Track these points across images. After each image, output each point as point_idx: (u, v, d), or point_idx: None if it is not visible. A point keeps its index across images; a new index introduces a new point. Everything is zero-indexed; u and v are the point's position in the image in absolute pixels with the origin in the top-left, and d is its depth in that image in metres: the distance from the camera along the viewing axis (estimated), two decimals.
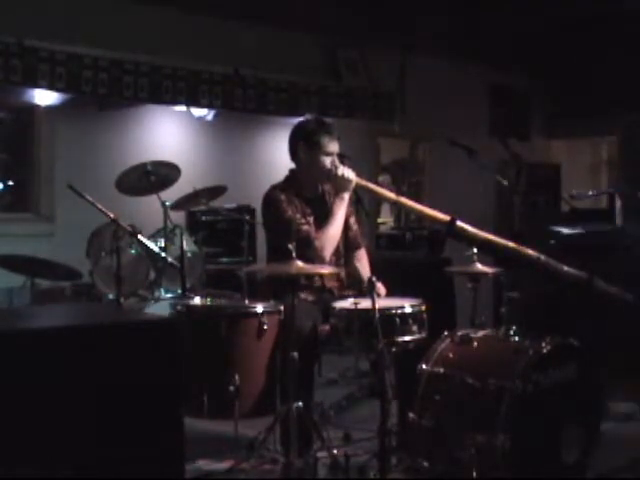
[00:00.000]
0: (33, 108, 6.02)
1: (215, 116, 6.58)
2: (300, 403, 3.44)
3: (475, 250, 3.87)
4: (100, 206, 4.50)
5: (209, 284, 5.33)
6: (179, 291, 4.68)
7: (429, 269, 5.79)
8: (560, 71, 8.84)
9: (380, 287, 3.83)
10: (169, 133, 6.66)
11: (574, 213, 6.28)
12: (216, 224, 6.23)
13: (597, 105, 8.79)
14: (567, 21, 7.53)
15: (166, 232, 4.89)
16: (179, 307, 3.89)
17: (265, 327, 3.69)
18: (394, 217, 8.69)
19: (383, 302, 3.50)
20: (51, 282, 5.24)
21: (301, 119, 4.24)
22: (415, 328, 3.45)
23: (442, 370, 3.37)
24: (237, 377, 3.60)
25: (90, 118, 6.13)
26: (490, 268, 3.91)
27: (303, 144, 4.06)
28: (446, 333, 3.52)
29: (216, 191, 5.11)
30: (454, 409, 3.30)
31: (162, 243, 4.85)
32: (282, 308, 3.73)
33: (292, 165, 4.17)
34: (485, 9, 7.04)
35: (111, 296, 4.76)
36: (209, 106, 6.37)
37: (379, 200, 7.27)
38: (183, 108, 6.37)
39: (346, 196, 4.02)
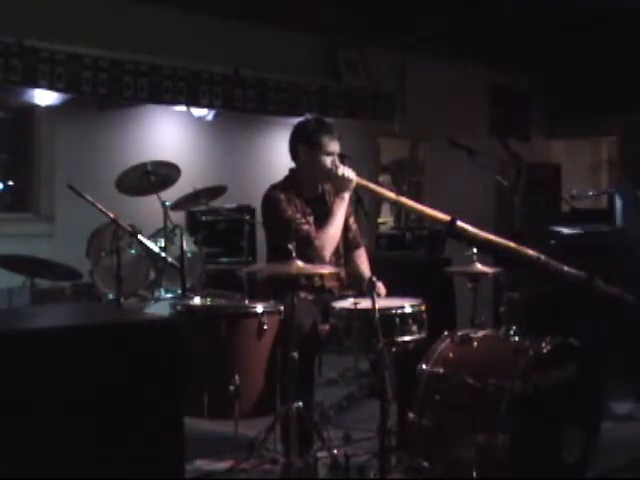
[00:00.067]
0: (33, 108, 6.02)
1: (215, 116, 6.58)
2: (300, 403, 3.44)
3: (475, 250, 3.87)
4: (100, 206, 4.50)
5: (209, 284, 5.33)
6: (179, 291, 4.68)
7: (429, 269, 5.78)
8: (560, 71, 8.84)
9: (380, 287, 3.83)
10: (169, 133, 6.66)
11: (574, 213, 6.29)
12: (216, 224, 6.23)
13: (597, 105, 8.79)
14: (567, 21, 7.53)
15: (166, 232, 4.89)
16: (179, 307, 3.89)
17: (265, 327, 3.69)
18: (394, 217, 8.69)
19: (383, 302, 3.50)
20: (51, 282, 5.24)
21: (301, 119, 4.23)
22: (415, 328, 3.45)
23: (442, 370, 3.37)
24: (237, 377, 3.60)
25: (90, 118, 6.14)
26: (490, 268, 3.91)
27: (303, 144, 4.05)
28: (446, 333, 3.52)
29: (216, 191, 5.12)
30: (454, 409, 3.30)
31: (162, 243, 4.85)
32: (282, 308, 3.74)
33: (292, 165, 4.17)
34: (485, 9, 7.03)
35: (111, 296, 4.76)
36: (209, 106, 6.37)
37: (379, 200, 7.27)
38: (183, 108, 6.37)
39: (346, 196, 4.01)
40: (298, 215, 3.99)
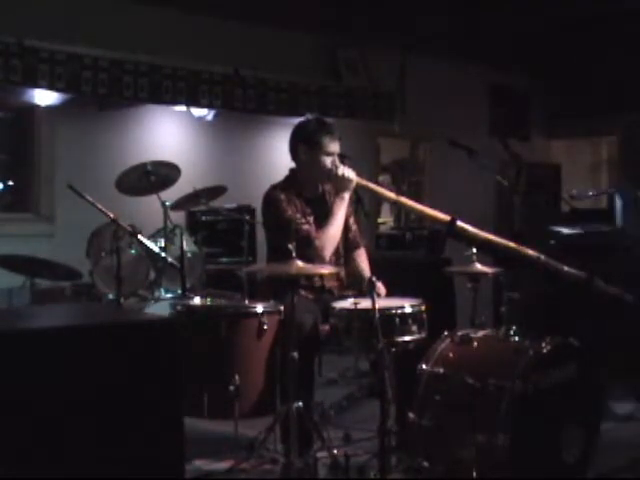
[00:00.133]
0: (33, 108, 6.02)
1: (215, 116, 6.58)
2: (300, 403, 3.44)
3: (475, 250, 3.87)
4: (100, 206, 4.50)
5: (209, 284, 5.33)
6: (179, 291, 4.68)
7: (429, 269, 5.79)
8: (560, 71, 8.84)
9: (380, 287, 3.83)
10: (169, 133, 6.66)
11: (574, 213, 6.28)
12: (216, 224, 6.23)
13: (597, 105, 8.79)
14: (567, 21, 7.53)
15: (166, 232, 4.89)
16: (179, 307, 3.89)
17: (265, 327, 3.69)
18: (394, 217, 8.69)
19: (383, 302, 3.50)
20: (51, 282, 5.24)
21: (302, 119, 4.23)
22: (415, 328, 3.45)
23: (442, 370, 3.37)
24: (237, 377, 3.60)
25: (90, 118, 6.14)
26: (490, 268, 3.91)
27: (304, 144, 4.05)
28: (446, 333, 3.52)
29: (216, 191, 5.12)
30: (454, 409, 3.30)
31: (162, 243, 4.85)
32: (282, 308, 3.74)
33: (292, 165, 4.17)
34: (485, 9, 7.03)
35: (111, 296, 4.76)
36: (209, 106, 6.37)
37: (379, 200, 7.27)
38: (183, 108, 6.37)
39: (346, 196, 4.01)
40: (298, 215, 3.99)
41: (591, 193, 6.45)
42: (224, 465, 3.65)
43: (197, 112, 6.51)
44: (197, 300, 4.11)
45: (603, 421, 3.58)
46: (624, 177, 8.84)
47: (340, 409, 4.62)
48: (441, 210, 3.86)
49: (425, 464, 3.28)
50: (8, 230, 5.78)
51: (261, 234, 4.30)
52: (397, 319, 3.40)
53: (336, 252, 4.06)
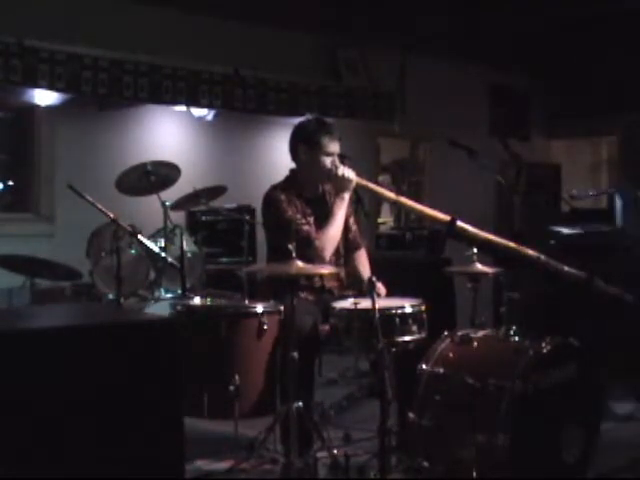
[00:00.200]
0: (33, 108, 6.02)
1: (215, 116, 6.58)
2: (300, 403, 3.44)
3: (475, 250, 3.87)
4: (100, 206, 4.50)
5: (209, 284, 5.33)
6: (179, 291, 4.68)
7: (429, 269, 5.79)
8: (560, 71, 8.84)
9: (380, 287, 3.83)
10: (169, 133, 6.66)
11: (574, 213, 6.28)
12: (216, 224, 6.23)
13: (597, 105, 8.79)
14: (567, 21, 7.53)
15: (166, 232, 4.89)
16: (179, 307, 3.89)
17: (265, 327, 3.69)
18: (394, 217, 8.70)
19: (383, 302, 3.50)
20: (51, 282, 5.24)
21: (302, 119, 4.23)
22: (415, 328, 3.45)
23: (442, 370, 3.37)
24: (237, 377, 3.60)
25: (90, 118, 6.14)
26: (490, 268, 3.91)
27: (304, 144, 4.05)
28: (446, 333, 3.52)
29: (216, 191, 5.12)
30: (454, 409, 3.30)
31: (162, 243, 4.85)
32: (282, 308, 3.74)
33: (292, 165, 4.17)
34: (485, 9, 7.03)
35: (111, 296, 4.76)
36: (209, 106, 6.37)
37: (379, 200, 7.27)
38: (183, 108, 6.37)
39: (346, 196, 4.01)
40: (298, 215, 3.99)
41: (591, 193, 6.46)
42: (224, 465, 3.65)
43: (197, 112, 6.51)
44: (197, 300, 4.11)
45: (603, 421, 3.58)
46: (624, 177, 8.84)
47: (340, 409, 4.62)
48: (441, 210, 3.86)
49: (425, 464, 3.28)
50: (8, 230, 5.78)
51: (261, 234, 4.30)
52: (397, 319, 3.40)
53: (336, 252, 4.06)
